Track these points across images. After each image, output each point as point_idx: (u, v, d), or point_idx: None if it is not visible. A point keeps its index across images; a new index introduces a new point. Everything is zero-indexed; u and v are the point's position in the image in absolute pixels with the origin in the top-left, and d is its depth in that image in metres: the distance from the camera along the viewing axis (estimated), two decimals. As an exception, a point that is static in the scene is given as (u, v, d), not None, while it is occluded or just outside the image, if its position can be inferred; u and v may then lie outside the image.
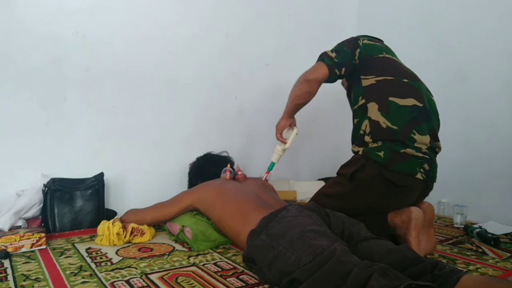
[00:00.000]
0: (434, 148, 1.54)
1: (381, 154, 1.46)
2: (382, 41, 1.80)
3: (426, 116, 1.53)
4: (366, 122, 1.54)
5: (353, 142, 1.62)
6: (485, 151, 2.09)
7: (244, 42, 2.46)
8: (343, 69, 1.62)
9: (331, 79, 1.64)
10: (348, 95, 1.73)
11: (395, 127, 1.47)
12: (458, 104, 2.22)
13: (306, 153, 2.65)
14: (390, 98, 1.51)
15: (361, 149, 1.53)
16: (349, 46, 1.65)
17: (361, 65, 1.63)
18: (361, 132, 1.55)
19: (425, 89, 1.61)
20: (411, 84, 1.57)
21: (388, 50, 1.71)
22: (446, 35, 2.30)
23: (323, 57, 1.65)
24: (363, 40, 1.68)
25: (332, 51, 1.66)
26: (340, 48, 1.66)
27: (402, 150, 1.45)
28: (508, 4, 2.02)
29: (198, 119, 2.32)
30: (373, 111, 1.52)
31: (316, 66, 1.64)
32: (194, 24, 2.29)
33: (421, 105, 1.51)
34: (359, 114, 1.59)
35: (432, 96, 1.63)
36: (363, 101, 1.57)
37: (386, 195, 1.49)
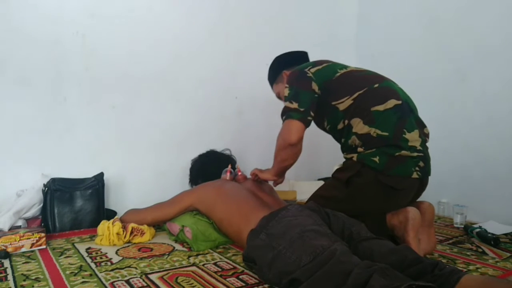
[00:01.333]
0: (425, 140, 1.54)
1: (377, 159, 1.44)
2: (322, 60, 1.70)
3: (408, 110, 1.53)
4: (353, 137, 1.51)
5: (344, 152, 1.61)
6: (485, 151, 2.09)
7: (244, 42, 2.46)
8: (311, 112, 1.56)
9: (307, 127, 1.58)
10: (319, 123, 1.67)
11: (386, 133, 1.46)
12: (458, 104, 2.22)
13: (305, 153, 2.63)
14: (372, 109, 1.49)
15: (354, 155, 1.51)
16: (303, 86, 1.58)
17: (326, 94, 1.57)
18: (353, 146, 1.53)
19: (393, 83, 1.61)
20: (382, 86, 1.55)
21: (338, 64, 1.66)
22: (446, 35, 2.30)
23: (289, 113, 1.55)
24: (309, 69, 1.61)
25: (291, 101, 1.56)
26: (295, 93, 1.57)
27: (397, 153, 1.44)
28: (508, 4, 2.02)
29: (198, 119, 2.33)
30: (358, 126, 1.49)
31: (290, 126, 1.54)
32: (194, 23, 2.29)
33: (400, 102, 1.50)
34: (345, 133, 1.56)
35: (396, 84, 1.62)
36: (346, 121, 1.54)
37: (384, 199, 1.49)
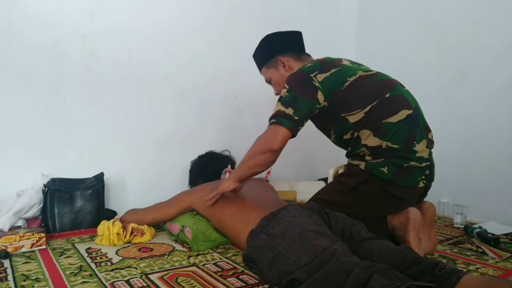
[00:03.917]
0: (431, 148, 1.53)
1: (385, 170, 1.42)
2: (329, 64, 1.57)
3: (418, 118, 1.50)
4: (363, 149, 1.47)
5: (349, 157, 1.56)
6: (485, 151, 2.09)
7: (244, 42, 2.45)
8: (304, 122, 1.49)
9: (294, 137, 1.49)
10: (324, 131, 1.62)
11: (397, 146, 1.43)
12: (458, 104, 2.22)
13: (305, 153, 2.65)
14: (384, 121, 1.44)
15: (362, 163, 1.47)
16: (305, 94, 1.47)
17: (334, 104, 1.50)
18: (360, 154, 1.50)
19: (403, 89, 1.56)
20: (394, 95, 1.49)
21: (347, 69, 1.55)
22: (446, 35, 2.30)
23: (281, 119, 1.44)
24: (315, 75, 1.51)
25: (287, 106, 1.46)
26: (294, 99, 1.46)
27: (406, 164, 1.43)
28: (508, 3, 2.02)
29: (198, 119, 2.33)
30: (368, 138, 1.45)
31: (278, 133, 1.44)
32: (194, 23, 2.29)
33: (411, 111, 1.47)
34: (352, 143, 1.52)
35: (404, 87, 1.57)
36: (355, 134, 1.49)
37: (389, 207, 1.49)
